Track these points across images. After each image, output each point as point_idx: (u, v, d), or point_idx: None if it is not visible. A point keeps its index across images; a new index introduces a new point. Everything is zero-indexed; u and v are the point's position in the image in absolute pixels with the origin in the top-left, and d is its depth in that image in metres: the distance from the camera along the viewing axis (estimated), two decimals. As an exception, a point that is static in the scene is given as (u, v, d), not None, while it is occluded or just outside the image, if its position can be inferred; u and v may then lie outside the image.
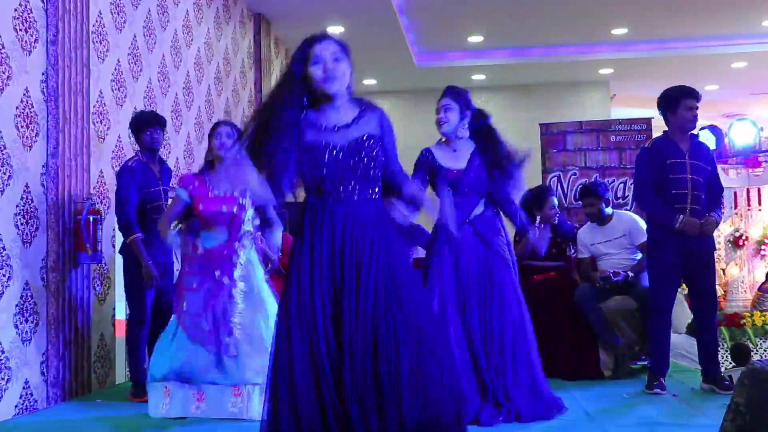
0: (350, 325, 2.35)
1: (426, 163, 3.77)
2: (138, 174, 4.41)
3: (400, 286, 2.41)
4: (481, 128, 3.81)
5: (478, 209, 3.76)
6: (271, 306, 3.75)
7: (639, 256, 5.04)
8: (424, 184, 3.74)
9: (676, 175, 4.19)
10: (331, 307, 2.40)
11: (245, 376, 3.67)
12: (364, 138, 2.48)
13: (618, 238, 5.09)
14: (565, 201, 6.86)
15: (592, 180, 6.21)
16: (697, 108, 4.27)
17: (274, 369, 2.43)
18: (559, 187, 6.93)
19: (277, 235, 3.97)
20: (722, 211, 4.43)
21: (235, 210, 3.76)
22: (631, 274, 4.98)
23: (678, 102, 4.26)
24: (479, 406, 3.42)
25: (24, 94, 4.29)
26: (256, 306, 3.76)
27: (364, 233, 2.44)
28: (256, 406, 3.68)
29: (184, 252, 3.89)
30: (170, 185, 4.65)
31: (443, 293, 3.60)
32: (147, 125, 4.54)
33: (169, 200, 4.45)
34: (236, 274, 3.74)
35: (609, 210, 5.21)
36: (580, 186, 5.57)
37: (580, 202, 5.46)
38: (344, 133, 2.48)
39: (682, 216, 4.11)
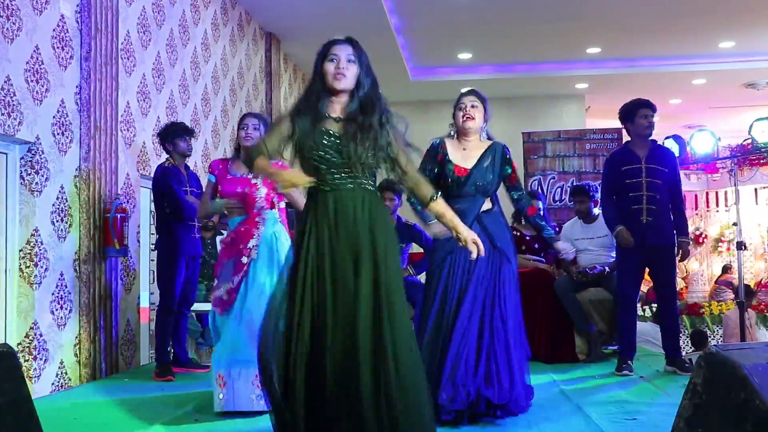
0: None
1: (437, 152, 3.40)
2: (172, 174, 4.48)
3: None
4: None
5: (486, 205, 3.38)
6: None
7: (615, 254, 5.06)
8: (432, 173, 3.38)
9: (631, 179, 4.22)
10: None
11: (238, 357, 3.35)
12: (357, 131, 2.38)
13: (601, 237, 5.11)
14: (545, 202, 6.90)
15: (580, 182, 6.22)
16: (651, 116, 4.29)
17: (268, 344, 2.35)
18: (539, 189, 6.97)
19: None
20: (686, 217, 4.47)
21: (247, 190, 3.61)
22: (607, 269, 5.02)
23: (634, 113, 4.30)
24: (476, 398, 3.13)
25: (60, 105, 4.30)
26: (272, 281, 3.48)
27: (354, 220, 2.35)
28: None
29: (222, 239, 3.80)
30: (196, 188, 4.68)
31: (450, 289, 3.28)
32: (185, 134, 4.59)
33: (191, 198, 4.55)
34: (251, 244, 3.55)
35: (596, 210, 5.23)
36: (573, 185, 5.58)
37: (572, 199, 5.47)
38: (342, 124, 2.41)
39: (620, 227, 4.20)
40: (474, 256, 2.51)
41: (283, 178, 2.35)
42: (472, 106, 3.40)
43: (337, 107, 2.45)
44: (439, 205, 2.50)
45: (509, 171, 3.47)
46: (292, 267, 2.39)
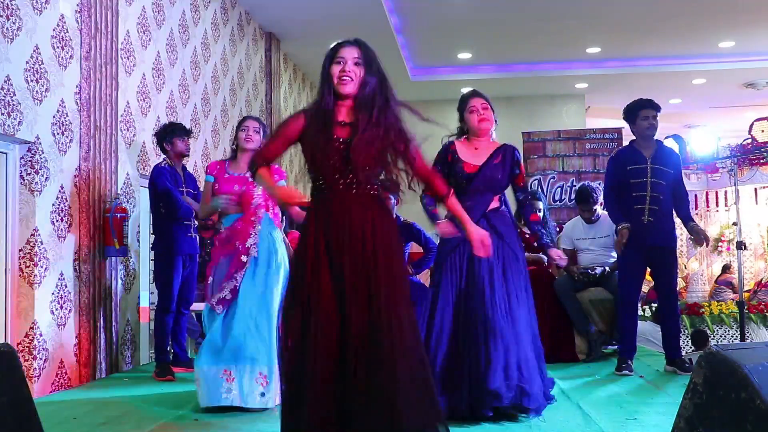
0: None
1: (446, 153, 3.43)
2: (169, 174, 4.48)
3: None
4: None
5: (494, 204, 3.43)
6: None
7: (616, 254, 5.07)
8: (442, 173, 3.31)
9: (636, 179, 4.22)
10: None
11: (245, 354, 3.37)
12: (366, 138, 2.34)
13: (602, 237, 5.13)
14: (545, 202, 6.91)
15: (585, 184, 6.20)
16: (653, 117, 4.29)
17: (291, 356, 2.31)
18: (539, 189, 6.97)
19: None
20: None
21: (244, 188, 3.61)
22: (608, 269, 5.03)
23: (636, 113, 4.31)
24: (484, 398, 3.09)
25: (60, 105, 4.30)
26: (271, 280, 3.52)
27: (360, 224, 2.33)
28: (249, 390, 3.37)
29: (217, 236, 3.75)
30: (192, 188, 4.69)
31: (455, 285, 3.29)
32: (183, 133, 4.60)
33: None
34: (249, 242, 3.54)
35: (600, 211, 5.24)
36: (576, 192, 5.58)
37: (576, 206, 5.48)
38: (349, 129, 2.38)
39: (625, 224, 4.17)
40: (480, 254, 2.56)
41: (278, 196, 2.43)
42: (485, 108, 3.47)
43: (344, 110, 2.42)
44: (453, 202, 2.54)
45: (517, 172, 3.53)
46: (296, 269, 2.38)
